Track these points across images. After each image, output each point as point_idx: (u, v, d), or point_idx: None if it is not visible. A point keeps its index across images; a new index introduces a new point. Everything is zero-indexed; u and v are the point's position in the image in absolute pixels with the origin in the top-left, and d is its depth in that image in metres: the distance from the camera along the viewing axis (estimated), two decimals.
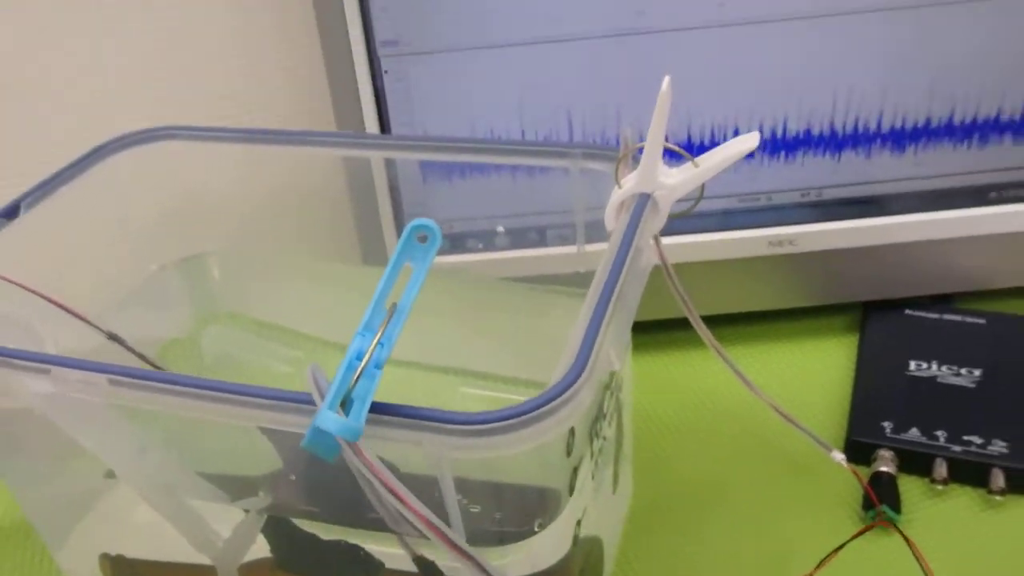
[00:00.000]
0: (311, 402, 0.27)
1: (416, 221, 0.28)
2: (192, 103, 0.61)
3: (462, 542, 0.27)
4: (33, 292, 0.41)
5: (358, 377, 0.26)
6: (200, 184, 0.50)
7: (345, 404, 0.26)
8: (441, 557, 0.34)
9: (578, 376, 0.28)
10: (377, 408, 0.27)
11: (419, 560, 0.34)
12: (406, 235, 0.28)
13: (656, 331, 0.57)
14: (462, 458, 0.28)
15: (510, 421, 0.27)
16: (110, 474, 0.39)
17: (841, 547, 0.42)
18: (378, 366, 0.27)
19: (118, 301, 0.49)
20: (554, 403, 0.27)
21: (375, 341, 0.27)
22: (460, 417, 0.27)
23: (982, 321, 0.55)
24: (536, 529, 0.33)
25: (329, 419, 0.25)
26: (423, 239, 0.28)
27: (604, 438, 0.38)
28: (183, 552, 0.39)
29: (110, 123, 0.60)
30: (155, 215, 0.50)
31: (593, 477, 0.37)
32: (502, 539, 0.33)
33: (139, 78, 0.60)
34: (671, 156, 0.37)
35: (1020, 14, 0.48)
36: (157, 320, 0.52)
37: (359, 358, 0.26)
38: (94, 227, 0.47)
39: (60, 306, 0.42)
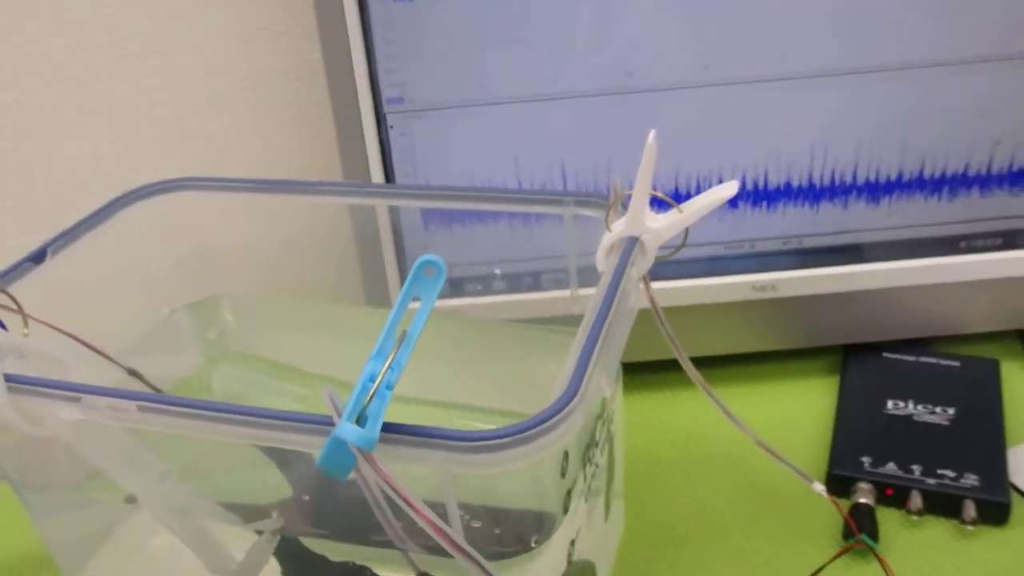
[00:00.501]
0: (327, 423, 0.30)
1: (424, 257, 0.31)
2: (206, 157, 0.64)
3: (465, 544, 0.29)
4: (59, 330, 0.44)
5: (371, 397, 0.29)
6: (214, 231, 0.52)
7: (359, 421, 0.29)
8: (445, 570, 0.36)
9: (571, 398, 0.30)
10: (387, 428, 0.30)
11: None
12: (415, 270, 0.31)
13: (647, 372, 0.59)
14: (465, 472, 0.30)
15: (509, 439, 0.29)
16: (130, 499, 0.41)
17: (821, 569, 0.44)
18: (389, 387, 0.29)
19: (134, 341, 0.51)
20: (550, 422, 0.30)
21: (387, 364, 0.29)
22: (463, 435, 0.29)
23: (956, 363, 0.58)
24: (533, 546, 0.35)
25: (348, 430, 0.28)
26: (431, 273, 0.31)
27: (597, 465, 0.40)
28: None
29: (130, 174, 0.63)
30: (172, 260, 0.52)
31: (586, 501, 0.39)
32: (501, 555, 0.36)
33: (158, 133, 0.63)
34: (658, 203, 0.40)
35: (982, 78, 0.52)
36: (170, 360, 0.54)
37: (372, 379, 0.29)
38: (114, 271, 0.50)
39: (83, 343, 0.45)
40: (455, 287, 0.56)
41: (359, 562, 0.39)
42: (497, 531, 0.36)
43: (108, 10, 0.59)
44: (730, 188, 0.38)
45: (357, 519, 0.40)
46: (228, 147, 0.64)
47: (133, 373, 0.47)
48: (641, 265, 0.40)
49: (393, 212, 0.54)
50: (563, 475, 0.35)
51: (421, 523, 0.29)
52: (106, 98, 0.62)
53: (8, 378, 0.35)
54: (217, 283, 0.55)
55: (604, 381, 0.34)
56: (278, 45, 0.62)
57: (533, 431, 0.29)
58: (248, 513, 0.41)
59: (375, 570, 0.39)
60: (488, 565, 0.30)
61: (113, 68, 0.61)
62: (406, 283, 0.31)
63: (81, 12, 0.59)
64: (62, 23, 0.59)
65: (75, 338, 0.44)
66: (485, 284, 0.56)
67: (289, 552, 0.40)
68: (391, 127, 0.53)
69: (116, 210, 0.48)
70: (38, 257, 0.44)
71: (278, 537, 0.39)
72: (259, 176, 0.60)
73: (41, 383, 0.35)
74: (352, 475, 0.31)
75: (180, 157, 0.64)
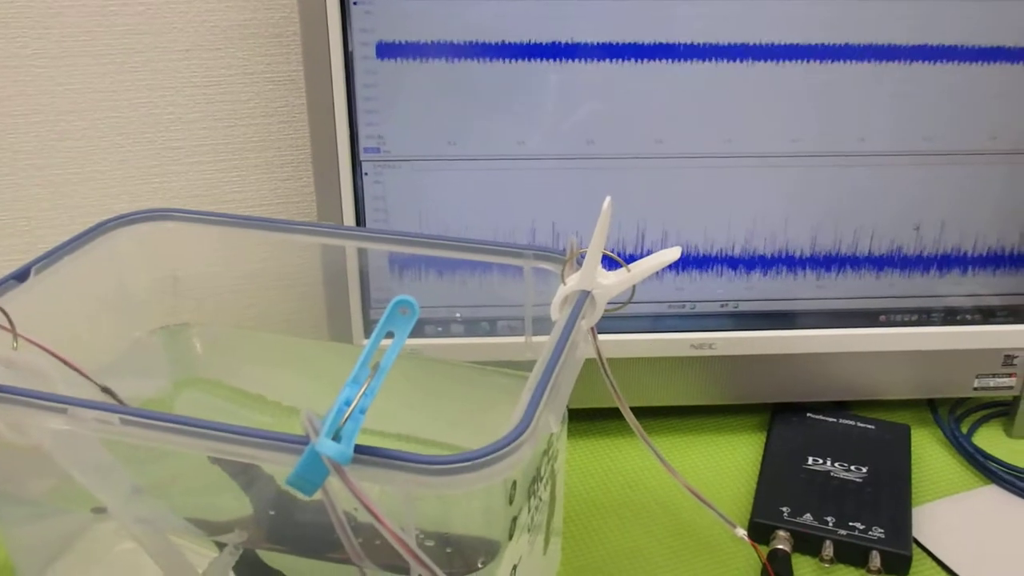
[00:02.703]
0: (301, 441, 0.33)
1: (399, 297, 0.35)
2: (184, 190, 0.67)
3: (422, 554, 0.33)
4: (41, 347, 0.46)
5: (346, 419, 0.32)
6: (189, 261, 0.55)
7: (335, 439, 0.32)
8: None
9: (523, 431, 0.34)
10: (357, 449, 0.33)
11: None
12: (391, 308, 0.34)
13: (590, 419, 0.63)
14: (427, 493, 0.33)
15: (467, 463, 0.33)
16: (98, 510, 0.44)
17: None
18: (362, 411, 0.33)
19: (106, 361, 0.54)
20: (502, 451, 0.33)
21: (362, 390, 0.33)
22: (427, 459, 0.33)
23: (872, 427, 0.63)
24: (480, 566, 0.39)
25: (327, 445, 0.31)
26: (404, 312, 0.35)
27: (540, 498, 0.44)
28: None
29: (108, 202, 0.66)
30: (147, 287, 0.55)
31: (529, 532, 0.42)
32: (452, 573, 0.39)
33: (139, 165, 0.66)
34: (609, 262, 0.44)
35: (908, 170, 0.57)
36: (138, 381, 0.56)
37: (348, 403, 0.32)
38: (92, 293, 0.52)
39: (61, 359, 0.47)
40: (415, 328, 0.59)
41: None
42: (448, 551, 0.40)
43: (100, 46, 0.62)
44: (673, 253, 0.43)
45: (314, 538, 0.42)
46: (206, 183, 0.67)
47: (106, 391, 0.49)
48: (591, 317, 0.44)
49: (361, 254, 0.57)
50: (511, 502, 0.38)
51: (384, 534, 0.32)
52: (90, 129, 0.64)
53: None
54: (189, 311, 0.57)
55: (552, 419, 0.37)
56: (262, 90, 0.65)
57: (487, 458, 0.33)
58: (212, 528, 0.43)
59: None
60: (441, 574, 0.33)
61: (100, 100, 0.64)
62: (382, 319, 0.35)
63: (73, 46, 0.62)
64: (55, 56, 0.62)
65: (54, 355, 0.47)
66: (444, 327, 0.60)
67: (248, 567, 0.42)
68: (366, 174, 0.56)
69: (98, 235, 0.51)
70: (22, 276, 0.46)
71: (240, 551, 0.42)
72: (234, 212, 0.64)
73: (29, 394, 0.38)
74: (317, 494, 0.34)
75: (159, 189, 0.67)
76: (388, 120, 0.55)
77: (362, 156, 0.56)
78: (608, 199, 0.41)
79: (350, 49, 0.53)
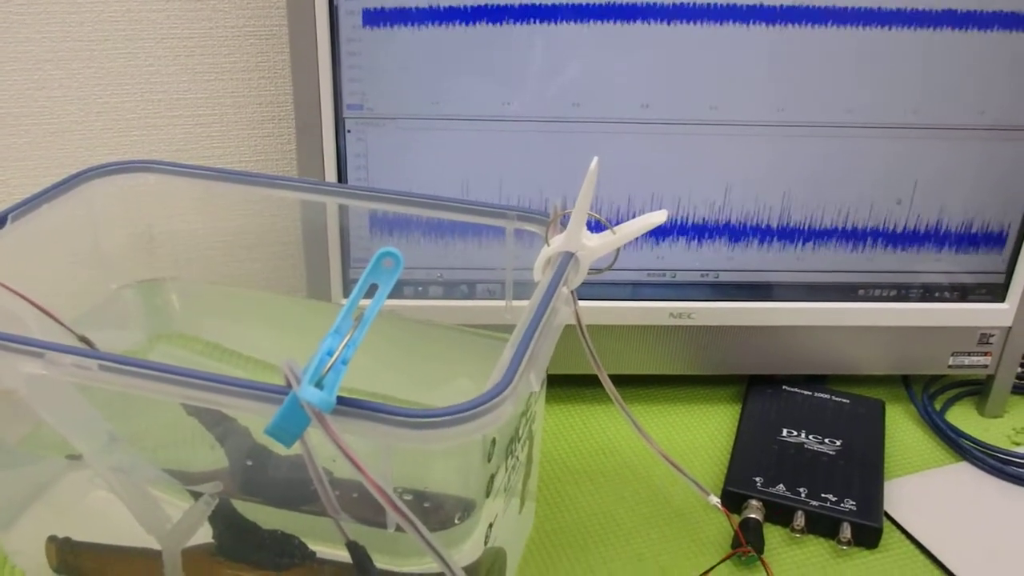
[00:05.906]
0: (282, 391, 0.33)
1: (384, 249, 0.34)
2: (163, 144, 0.66)
3: (401, 503, 0.33)
4: (18, 293, 0.46)
5: (329, 368, 0.32)
6: (169, 214, 0.54)
7: (317, 387, 0.32)
8: (371, 544, 0.39)
9: (506, 387, 0.34)
10: (339, 400, 0.33)
11: (351, 545, 0.39)
12: (375, 260, 0.34)
13: (567, 385, 0.63)
14: (408, 446, 0.33)
15: (448, 418, 0.32)
16: (73, 457, 0.43)
17: (710, 570, 0.49)
18: (344, 362, 0.32)
19: (81, 313, 0.53)
20: (484, 407, 0.33)
21: (345, 340, 0.32)
22: (408, 411, 0.32)
23: (846, 401, 0.63)
24: (456, 522, 0.39)
25: (309, 392, 0.31)
26: (388, 264, 0.34)
27: (517, 458, 0.44)
28: (128, 538, 0.43)
29: (85, 154, 0.65)
30: (124, 238, 0.54)
31: (505, 491, 0.42)
32: (429, 529, 0.39)
33: (117, 117, 0.65)
34: (594, 225, 0.44)
35: (893, 143, 0.57)
36: (113, 334, 0.56)
37: (330, 353, 0.32)
38: (69, 243, 0.51)
39: (38, 307, 0.47)
40: (393, 290, 0.59)
41: (289, 531, 0.42)
42: (426, 506, 0.40)
43: None
44: (660, 216, 0.43)
45: (290, 490, 0.42)
46: (185, 137, 0.66)
47: (84, 340, 0.49)
48: (574, 279, 0.43)
49: (342, 212, 0.57)
50: (489, 460, 0.38)
51: (364, 482, 0.32)
52: (68, 79, 0.63)
53: None
54: (166, 265, 0.57)
55: (534, 377, 0.37)
56: (244, 44, 0.64)
57: (470, 413, 0.33)
58: (188, 479, 0.43)
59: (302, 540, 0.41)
60: (420, 524, 0.33)
61: (78, 50, 0.62)
62: (366, 271, 0.34)
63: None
64: (31, 3, 0.60)
65: (31, 302, 0.46)
66: (423, 288, 0.59)
67: (222, 517, 0.42)
68: (348, 131, 0.56)
69: (76, 184, 0.50)
70: None
71: (216, 501, 0.42)
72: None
73: (5, 337, 0.37)
74: (295, 446, 0.33)
75: (137, 142, 0.66)
76: (372, 77, 0.54)
77: (345, 113, 0.55)
78: (596, 159, 0.41)
79: (335, 3, 0.52)
